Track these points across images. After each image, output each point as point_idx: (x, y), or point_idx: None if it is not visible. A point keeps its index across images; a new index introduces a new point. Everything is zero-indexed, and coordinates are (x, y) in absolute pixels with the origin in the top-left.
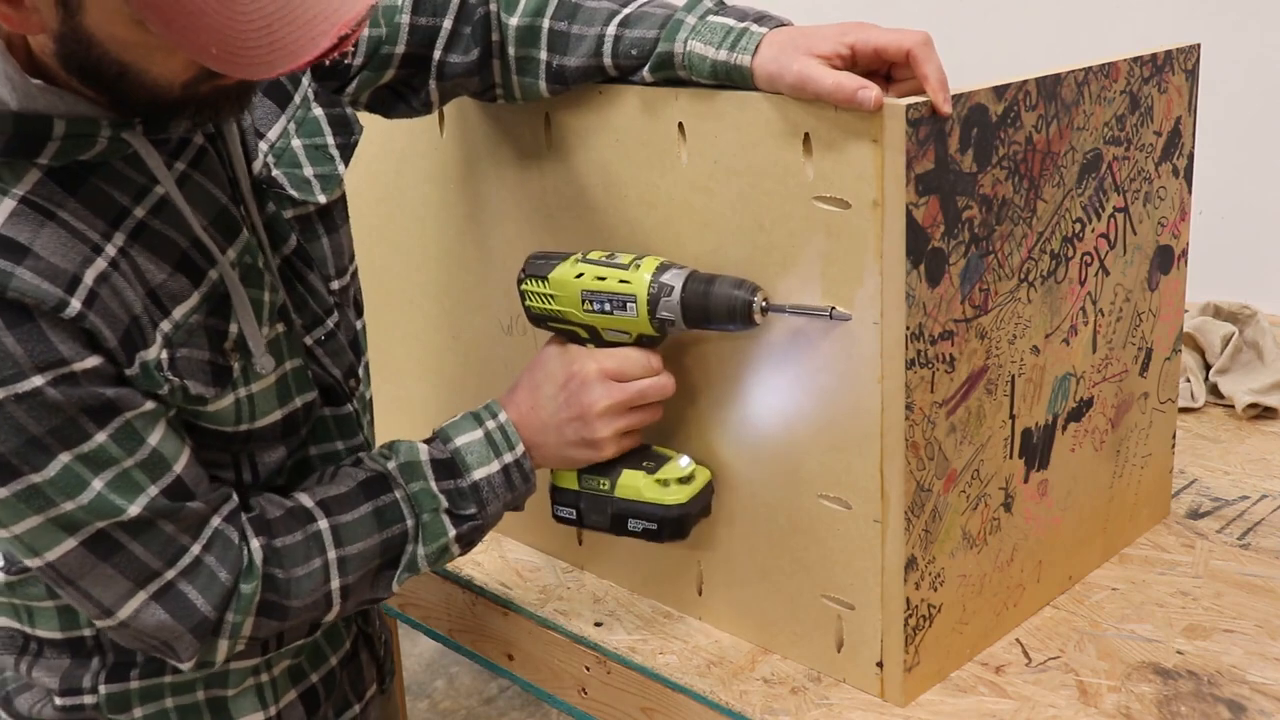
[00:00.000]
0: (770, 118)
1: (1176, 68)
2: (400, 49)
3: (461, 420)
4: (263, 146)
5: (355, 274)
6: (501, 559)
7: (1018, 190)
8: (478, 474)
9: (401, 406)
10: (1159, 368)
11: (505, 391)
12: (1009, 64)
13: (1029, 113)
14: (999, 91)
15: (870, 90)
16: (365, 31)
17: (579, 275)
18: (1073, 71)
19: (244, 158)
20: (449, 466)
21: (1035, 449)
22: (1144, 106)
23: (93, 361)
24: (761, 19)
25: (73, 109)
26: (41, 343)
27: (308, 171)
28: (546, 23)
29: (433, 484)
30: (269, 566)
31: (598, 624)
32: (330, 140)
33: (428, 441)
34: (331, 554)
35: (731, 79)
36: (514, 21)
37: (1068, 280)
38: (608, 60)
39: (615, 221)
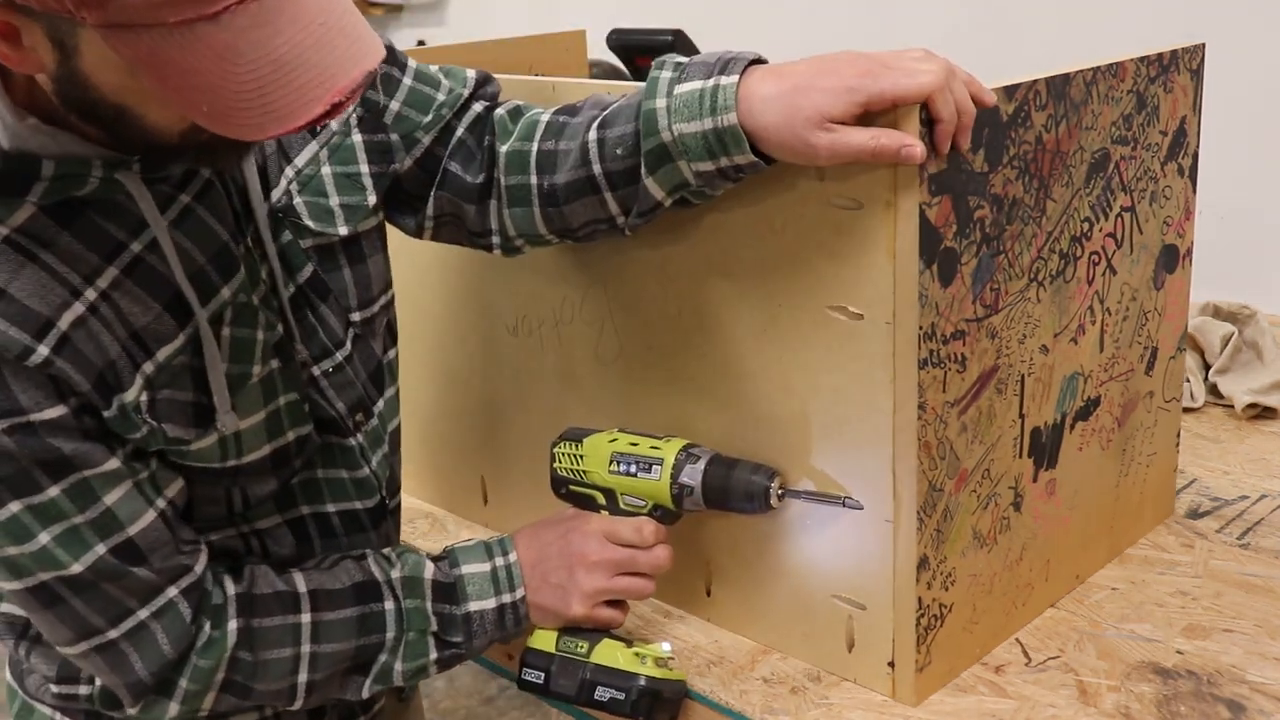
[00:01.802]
0: None
1: (1182, 67)
2: (427, 141)
3: (474, 548)
4: (288, 172)
5: (389, 304)
6: None
7: (1028, 190)
8: (473, 606)
9: (406, 408)
10: (1164, 366)
11: (523, 531)
12: (1012, 63)
13: (1039, 112)
14: (1009, 91)
15: (915, 147)
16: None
17: (613, 440)
18: (1081, 71)
19: (262, 186)
20: (449, 591)
21: (1044, 448)
22: (1150, 106)
23: (53, 413)
24: (726, 66)
25: (65, 149)
26: (1, 391)
27: (333, 201)
28: (535, 145)
29: (429, 604)
30: (239, 650)
31: None
32: (364, 169)
33: (436, 559)
34: (305, 648)
35: (727, 146)
36: (504, 148)
37: (1076, 280)
38: (596, 168)
39: None
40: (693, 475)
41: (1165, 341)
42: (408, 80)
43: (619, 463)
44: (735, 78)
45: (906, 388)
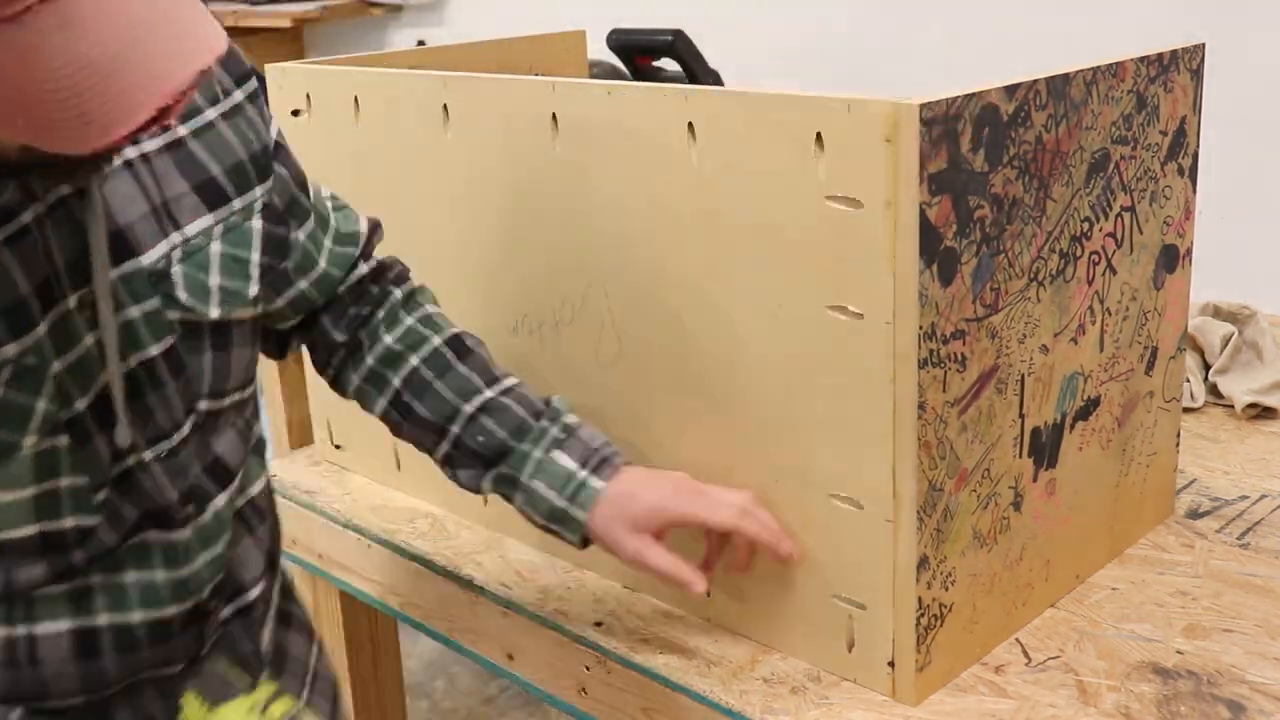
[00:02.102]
0: (782, 118)
1: (1182, 67)
2: (304, 285)
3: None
4: (174, 238)
5: (244, 404)
6: (501, 559)
7: (1028, 190)
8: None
9: None
10: (1164, 366)
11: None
12: (1012, 63)
13: (1039, 112)
14: (1010, 91)
15: (699, 585)
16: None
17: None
18: (1081, 71)
19: (126, 247)
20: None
21: (1044, 448)
22: (1150, 106)
23: None
24: (599, 466)
25: None
26: None
27: (213, 280)
28: (415, 360)
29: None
30: None
31: (598, 624)
32: (255, 257)
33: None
34: None
35: (565, 525)
36: (388, 339)
37: (1076, 279)
38: (454, 429)
39: (623, 222)
40: None
41: (1165, 341)
42: (308, 226)
43: None
44: (603, 484)
45: (906, 387)
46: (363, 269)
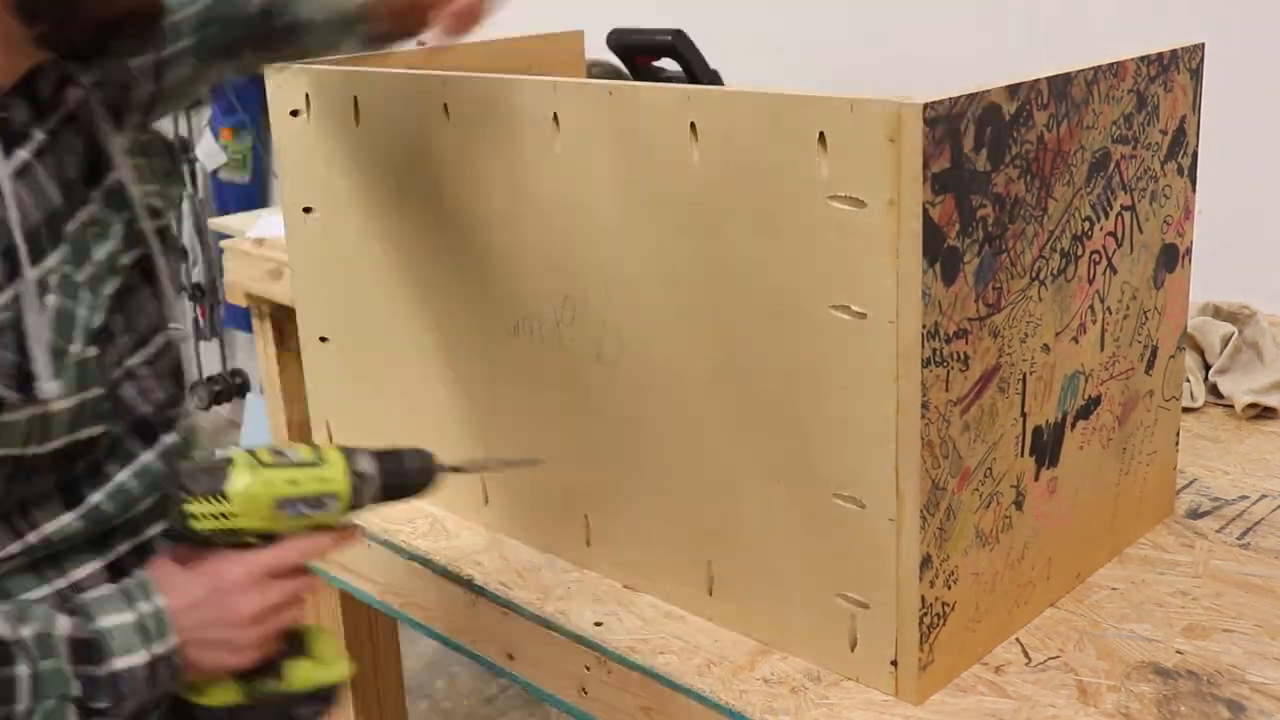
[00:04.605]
0: (784, 117)
1: (1182, 67)
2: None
3: (109, 597)
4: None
5: None
6: (502, 559)
7: (1030, 189)
8: (119, 663)
9: (411, 411)
10: (1164, 365)
11: (160, 570)
12: (1012, 63)
13: (1040, 112)
14: (1012, 90)
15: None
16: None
17: (266, 484)
18: (1082, 71)
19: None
20: (89, 648)
21: (1045, 447)
22: (1150, 106)
23: None
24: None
25: None
26: None
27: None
28: None
29: (66, 665)
30: None
31: (598, 624)
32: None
33: (69, 612)
34: None
35: None
36: None
37: (1077, 279)
38: None
39: (625, 222)
40: (372, 494)
41: (1165, 340)
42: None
43: (288, 508)
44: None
45: (910, 387)
46: None
